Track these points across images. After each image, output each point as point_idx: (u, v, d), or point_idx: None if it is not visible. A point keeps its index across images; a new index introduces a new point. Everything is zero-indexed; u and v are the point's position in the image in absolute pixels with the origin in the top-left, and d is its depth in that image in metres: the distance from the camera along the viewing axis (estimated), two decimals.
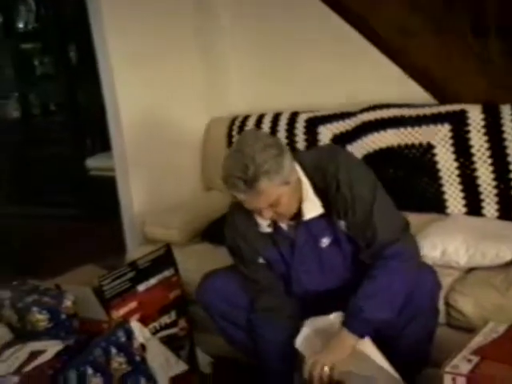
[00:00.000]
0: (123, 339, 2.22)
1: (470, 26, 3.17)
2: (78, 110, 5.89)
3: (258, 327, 2.44)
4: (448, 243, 2.68)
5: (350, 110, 3.40)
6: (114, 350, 2.17)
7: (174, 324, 2.97)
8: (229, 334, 2.59)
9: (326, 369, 2.16)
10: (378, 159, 3.18)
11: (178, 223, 3.40)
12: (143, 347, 2.50)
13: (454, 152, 3.04)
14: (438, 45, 3.23)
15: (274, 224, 2.36)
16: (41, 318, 2.40)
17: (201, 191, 3.92)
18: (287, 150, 2.25)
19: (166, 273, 2.94)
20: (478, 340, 2.12)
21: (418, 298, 2.26)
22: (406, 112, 3.20)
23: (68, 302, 2.46)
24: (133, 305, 2.79)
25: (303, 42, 3.62)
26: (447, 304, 2.52)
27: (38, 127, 6.18)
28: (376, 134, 3.23)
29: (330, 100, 3.52)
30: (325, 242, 2.36)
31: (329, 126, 3.41)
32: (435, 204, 3.10)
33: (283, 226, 2.37)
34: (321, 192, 2.30)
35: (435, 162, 3.08)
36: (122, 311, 2.74)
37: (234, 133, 3.73)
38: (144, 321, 2.80)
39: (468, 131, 3.02)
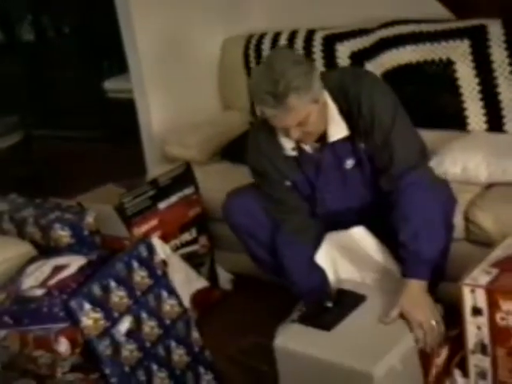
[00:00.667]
0: (145, 254, 2.24)
1: None
2: (93, 32, 5.85)
3: (284, 248, 2.44)
4: (469, 159, 2.66)
5: (367, 26, 3.35)
6: (135, 264, 2.19)
7: (194, 241, 3.01)
8: (253, 251, 2.60)
9: (433, 322, 2.12)
10: (397, 76, 3.14)
11: (198, 142, 3.42)
12: (164, 263, 2.53)
13: (475, 68, 2.99)
14: None
15: (299, 147, 2.36)
16: (63, 234, 2.43)
17: (219, 110, 3.91)
18: (317, 68, 2.24)
19: (187, 191, 2.97)
20: (496, 254, 2.11)
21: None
22: (424, 28, 3.15)
23: (90, 219, 2.48)
24: (154, 222, 2.83)
25: None
26: (467, 219, 2.52)
27: (53, 50, 6.16)
28: (395, 51, 3.18)
29: (346, 17, 3.45)
30: (349, 163, 2.37)
31: (346, 43, 3.36)
32: (456, 121, 3.07)
33: (307, 148, 2.36)
34: (345, 114, 2.30)
35: (456, 79, 3.04)
36: (144, 228, 2.79)
37: (251, 51, 3.69)
38: (165, 238, 2.85)
39: (488, 46, 2.96)
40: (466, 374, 2.05)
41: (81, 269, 2.21)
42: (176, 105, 3.69)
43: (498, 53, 2.94)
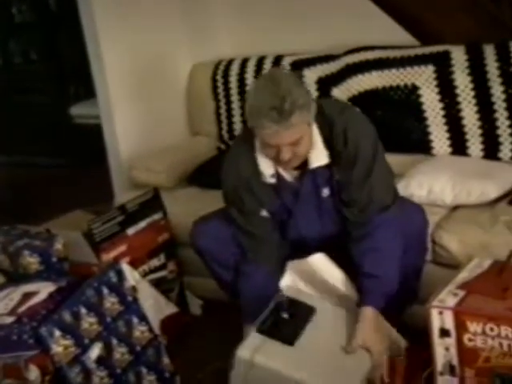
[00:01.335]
0: (114, 279, 2.24)
1: None
2: (60, 58, 5.83)
3: (247, 276, 2.45)
4: (434, 182, 2.72)
5: (334, 52, 3.40)
6: (105, 290, 2.19)
7: (163, 267, 3.00)
8: (218, 276, 2.61)
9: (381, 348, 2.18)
10: (363, 101, 3.19)
11: (165, 167, 3.42)
12: (134, 289, 2.52)
13: (439, 93, 3.06)
14: None
15: (278, 175, 2.37)
16: (32, 261, 2.42)
17: (187, 136, 3.92)
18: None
19: (155, 216, 2.96)
20: (463, 275, 2.15)
21: (407, 235, 2.29)
22: (390, 54, 3.21)
23: (58, 245, 2.48)
24: (122, 248, 2.82)
25: None
26: (433, 241, 2.56)
27: (19, 76, 6.12)
28: (361, 76, 3.23)
29: (313, 43, 3.50)
30: (325, 192, 2.38)
31: (313, 68, 3.40)
32: (421, 145, 3.13)
33: (287, 176, 2.38)
34: (327, 143, 2.32)
35: (420, 103, 3.10)
36: (112, 254, 2.77)
37: (219, 77, 3.72)
38: (134, 264, 2.83)
39: (452, 72, 3.03)
40: None
41: (50, 295, 2.20)
42: (143, 130, 3.69)
43: (461, 78, 3.01)
